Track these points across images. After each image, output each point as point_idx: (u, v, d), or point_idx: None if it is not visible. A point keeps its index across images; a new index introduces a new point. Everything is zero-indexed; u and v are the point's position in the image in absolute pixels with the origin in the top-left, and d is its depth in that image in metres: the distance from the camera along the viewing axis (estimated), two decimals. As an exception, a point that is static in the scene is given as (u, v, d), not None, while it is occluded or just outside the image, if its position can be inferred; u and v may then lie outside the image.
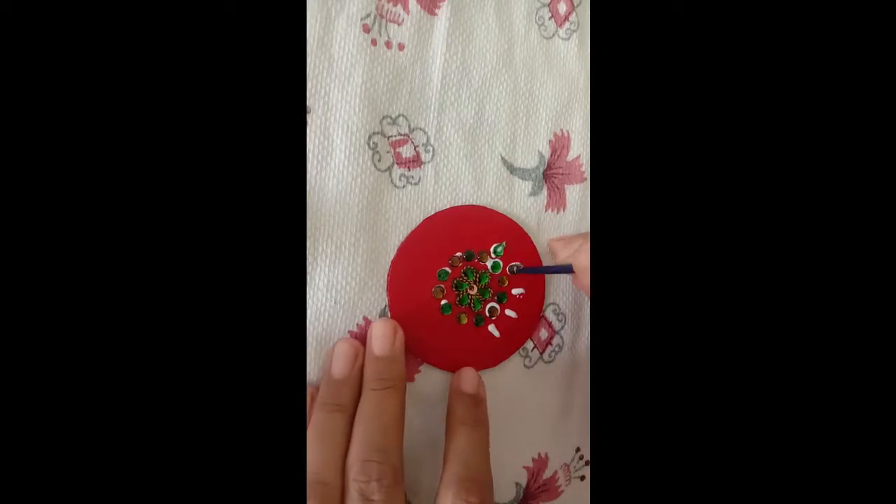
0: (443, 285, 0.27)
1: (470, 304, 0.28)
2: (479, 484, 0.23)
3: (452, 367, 0.27)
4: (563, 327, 0.30)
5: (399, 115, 0.26)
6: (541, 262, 0.29)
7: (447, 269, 0.27)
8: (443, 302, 0.27)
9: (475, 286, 0.28)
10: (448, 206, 0.28)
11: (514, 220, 0.29)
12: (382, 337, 0.25)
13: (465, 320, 0.28)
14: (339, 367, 0.24)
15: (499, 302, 0.28)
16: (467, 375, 0.26)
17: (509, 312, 0.29)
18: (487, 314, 0.28)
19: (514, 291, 0.29)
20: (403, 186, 0.27)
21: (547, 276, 0.30)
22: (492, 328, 0.28)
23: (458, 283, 0.27)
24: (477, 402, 0.26)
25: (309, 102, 0.24)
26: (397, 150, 0.26)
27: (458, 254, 0.28)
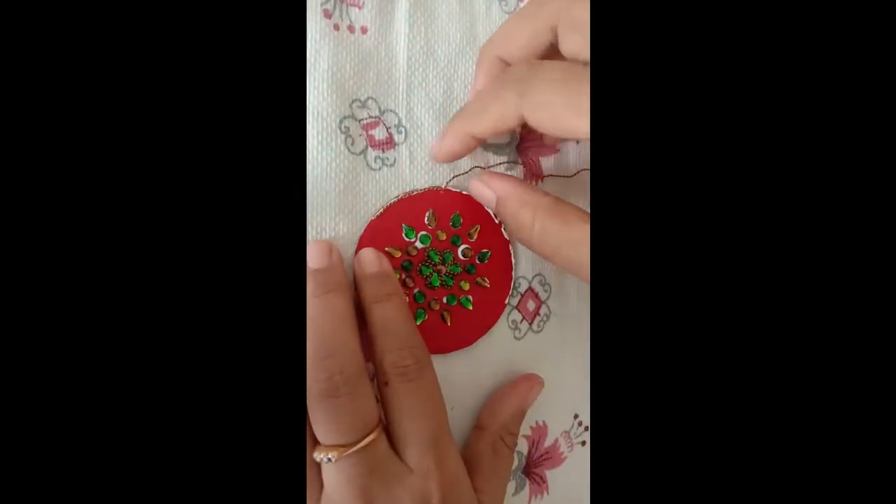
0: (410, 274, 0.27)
1: (442, 283, 0.27)
2: (410, 346, 0.24)
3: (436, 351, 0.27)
4: (549, 296, 0.31)
5: (368, 98, 0.26)
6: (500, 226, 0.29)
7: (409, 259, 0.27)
8: (416, 290, 0.27)
9: (443, 266, 0.27)
10: (426, 186, 0.28)
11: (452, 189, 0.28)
12: (318, 252, 0.24)
13: (436, 306, 0.28)
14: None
15: (468, 273, 0.28)
16: (366, 256, 0.25)
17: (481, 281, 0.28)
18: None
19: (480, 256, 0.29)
20: (379, 168, 0.27)
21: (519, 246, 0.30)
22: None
23: (423, 266, 0.27)
24: (383, 277, 0.25)
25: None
26: (370, 132, 0.26)
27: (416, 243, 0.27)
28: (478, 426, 0.28)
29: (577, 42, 0.22)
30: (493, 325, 0.29)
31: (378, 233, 0.26)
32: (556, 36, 0.23)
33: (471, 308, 0.28)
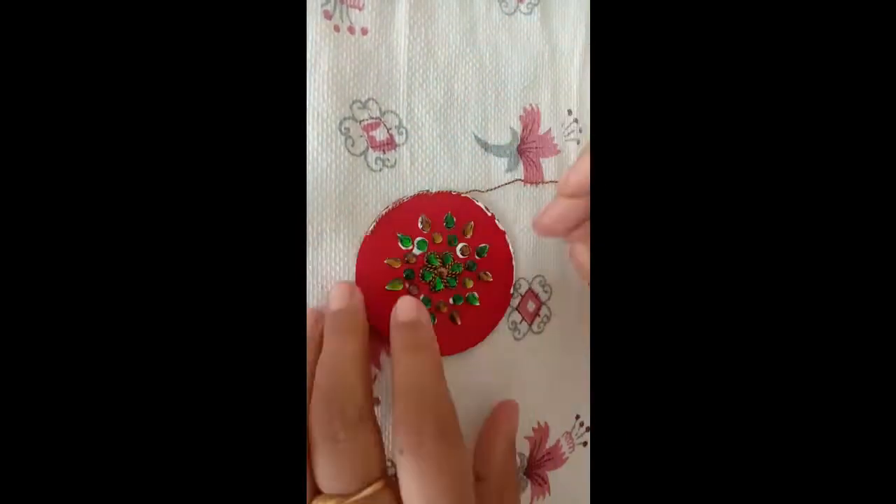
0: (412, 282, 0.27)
1: (446, 285, 0.28)
2: (434, 413, 0.21)
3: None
4: (549, 297, 0.31)
5: (369, 99, 0.27)
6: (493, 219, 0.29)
7: (411, 269, 0.27)
8: (421, 297, 0.27)
9: (444, 268, 0.28)
10: (425, 188, 0.28)
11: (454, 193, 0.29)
12: (340, 293, 0.25)
13: (444, 308, 0.28)
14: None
15: (469, 270, 0.28)
16: (403, 304, 0.25)
17: (484, 276, 0.29)
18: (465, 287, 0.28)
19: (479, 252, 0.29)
20: (380, 170, 0.27)
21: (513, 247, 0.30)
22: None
23: (424, 272, 0.27)
24: (416, 326, 0.24)
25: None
26: (370, 133, 0.26)
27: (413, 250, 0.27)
28: (477, 478, 0.26)
29: None
30: (501, 317, 0.29)
31: (374, 247, 0.26)
32: None
33: (478, 304, 0.28)
